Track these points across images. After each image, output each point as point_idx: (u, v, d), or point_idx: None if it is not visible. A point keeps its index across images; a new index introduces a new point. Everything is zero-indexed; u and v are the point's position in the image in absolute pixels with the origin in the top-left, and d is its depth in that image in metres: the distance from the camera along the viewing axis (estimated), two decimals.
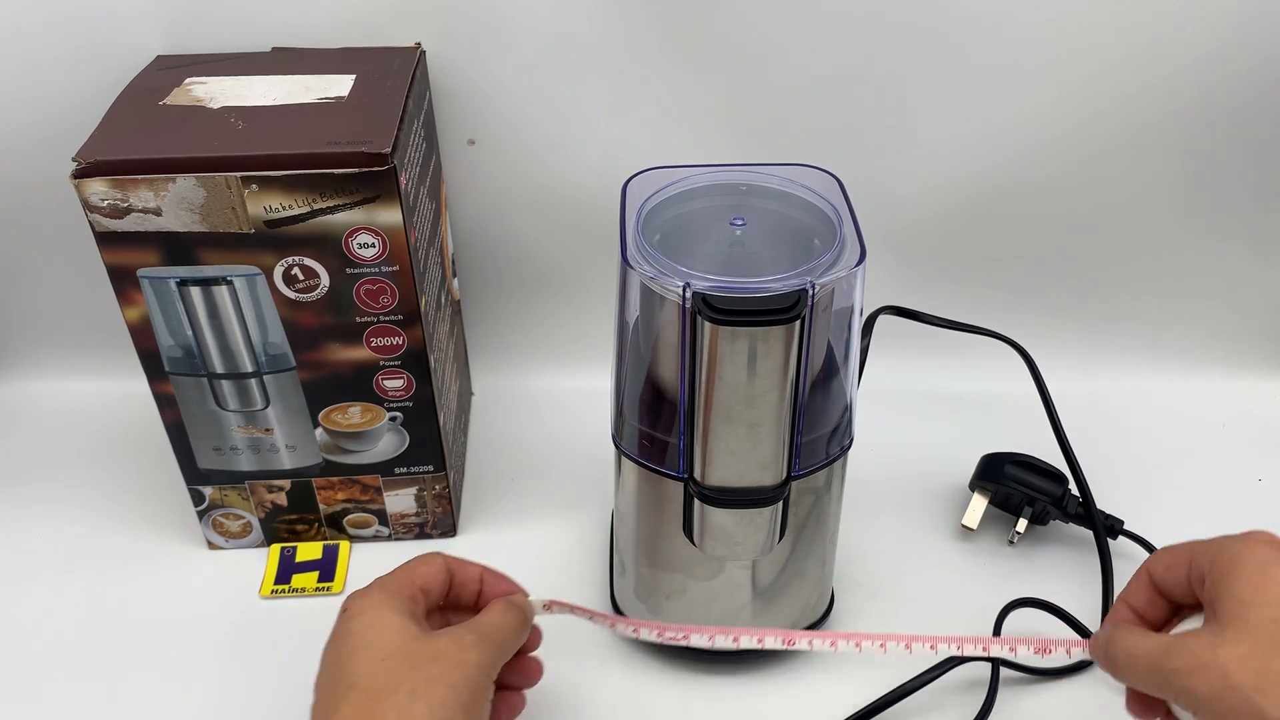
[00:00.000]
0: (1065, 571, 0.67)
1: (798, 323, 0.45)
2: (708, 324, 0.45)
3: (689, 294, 0.45)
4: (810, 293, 0.45)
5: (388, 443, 0.64)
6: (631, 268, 0.48)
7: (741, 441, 0.48)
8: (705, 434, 0.48)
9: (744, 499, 0.50)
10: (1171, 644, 0.40)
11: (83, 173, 0.52)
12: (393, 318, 0.59)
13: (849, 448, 0.54)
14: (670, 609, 0.58)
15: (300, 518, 0.68)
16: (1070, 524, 0.68)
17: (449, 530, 0.70)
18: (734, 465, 0.49)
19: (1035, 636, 0.49)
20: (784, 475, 0.50)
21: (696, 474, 0.50)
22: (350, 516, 0.68)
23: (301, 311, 0.58)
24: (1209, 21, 0.68)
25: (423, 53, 0.68)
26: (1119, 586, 0.65)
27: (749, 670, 0.60)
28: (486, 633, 0.46)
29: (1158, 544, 0.67)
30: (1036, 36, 0.68)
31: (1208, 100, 0.71)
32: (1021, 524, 0.67)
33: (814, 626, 0.60)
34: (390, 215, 0.54)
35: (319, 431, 0.63)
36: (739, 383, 0.46)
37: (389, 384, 0.62)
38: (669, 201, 0.54)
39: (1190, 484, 0.74)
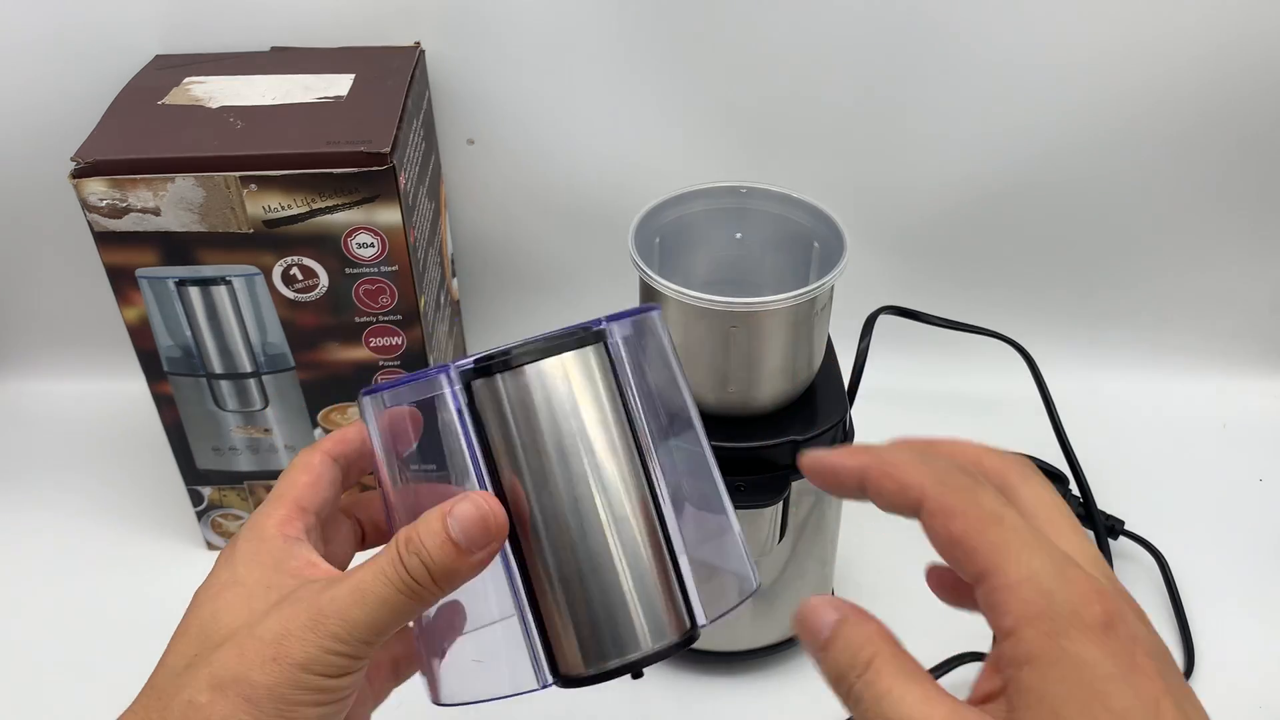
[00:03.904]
0: None
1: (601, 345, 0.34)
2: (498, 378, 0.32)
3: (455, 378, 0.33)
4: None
5: None
6: None
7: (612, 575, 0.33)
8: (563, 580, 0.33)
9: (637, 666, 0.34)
10: None
11: (81, 172, 0.52)
12: (392, 318, 0.58)
13: None
14: None
15: None
16: None
17: None
18: (613, 621, 0.33)
19: None
20: (689, 620, 0.35)
21: (569, 662, 0.34)
22: None
23: (300, 311, 0.58)
24: (1208, 21, 0.67)
25: (422, 52, 0.67)
26: None
27: (749, 671, 0.60)
28: (330, 610, 0.31)
29: (1159, 545, 0.67)
30: (1038, 37, 0.68)
31: (1208, 100, 0.71)
32: None
33: None
34: (389, 215, 0.54)
35: (318, 432, 0.63)
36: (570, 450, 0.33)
37: None
38: (668, 204, 0.53)
39: (1191, 484, 0.74)
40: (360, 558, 0.37)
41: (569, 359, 0.33)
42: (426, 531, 0.31)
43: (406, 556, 0.31)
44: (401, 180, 0.55)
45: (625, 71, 0.70)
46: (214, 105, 0.58)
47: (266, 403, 0.62)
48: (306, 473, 0.37)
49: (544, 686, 0.34)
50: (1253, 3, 0.67)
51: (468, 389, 0.33)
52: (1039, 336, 0.73)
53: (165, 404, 0.61)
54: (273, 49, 0.68)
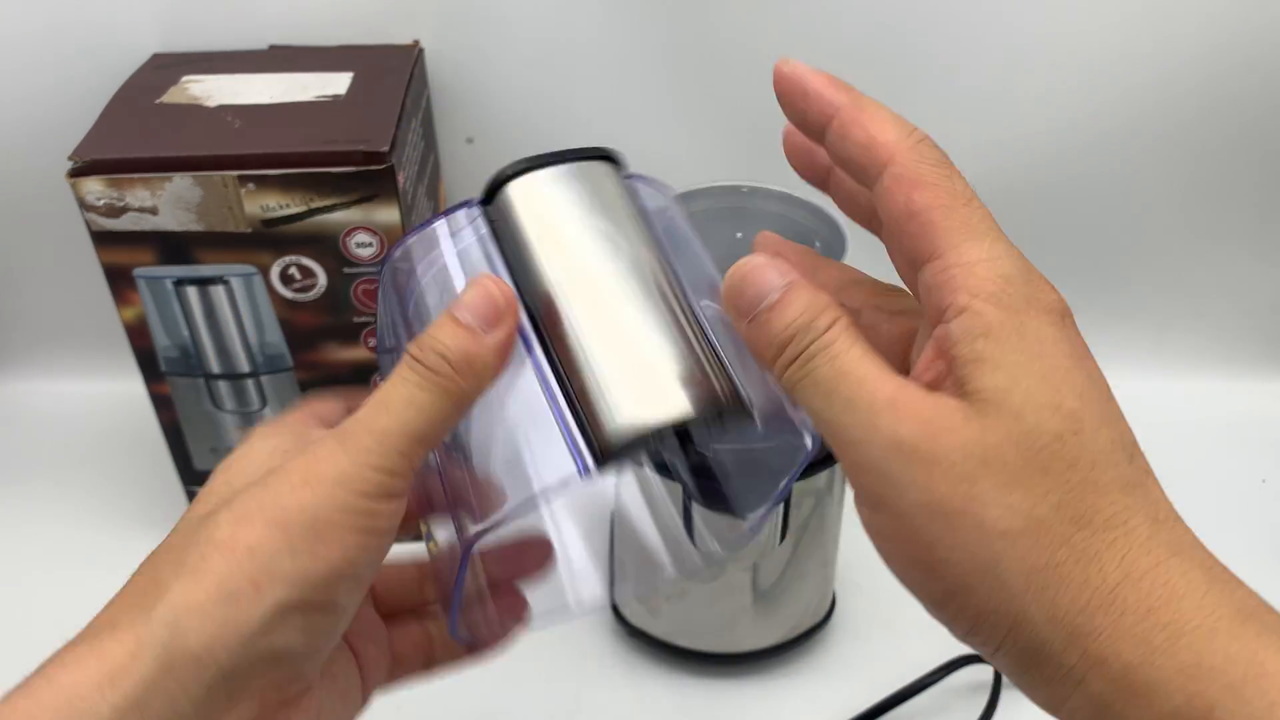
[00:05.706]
0: None
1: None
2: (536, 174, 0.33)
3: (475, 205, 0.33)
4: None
5: None
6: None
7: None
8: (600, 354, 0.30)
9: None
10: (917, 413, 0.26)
11: (79, 171, 0.52)
12: None
13: None
14: (670, 610, 0.58)
15: None
16: None
17: None
18: (656, 377, 0.30)
19: None
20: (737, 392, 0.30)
21: (607, 433, 0.29)
22: None
23: (299, 311, 0.57)
24: (1213, 20, 0.67)
25: (421, 50, 0.67)
26: None
27: (749, 672, 0.60)
28: (355, 429, 0.29)
29: None
30: (1040, 36, 0.68)
31: (1212, 99, 0.70)
32: None
33: (816, 629, 0.60)
34: (388, 214, 0.54)
35: None
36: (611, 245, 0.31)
37: None
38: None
39: (1194, 485, 0.72)
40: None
41: (590, 167, 0.33)
42: (435, 327, 0.30)
43: (420, 354, 0.29)
44: (400, 179, 0.54)
45: (625, 70, 0.70)
46: (212, 104, 0.58)
47: (265, 403, 0.61)
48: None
49: (584, 473, 0.29)
50: (1258, 2, 0.66)
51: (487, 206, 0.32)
52: None
53: (163, 404, 0.61)
54: (271, 47, 0.67)
